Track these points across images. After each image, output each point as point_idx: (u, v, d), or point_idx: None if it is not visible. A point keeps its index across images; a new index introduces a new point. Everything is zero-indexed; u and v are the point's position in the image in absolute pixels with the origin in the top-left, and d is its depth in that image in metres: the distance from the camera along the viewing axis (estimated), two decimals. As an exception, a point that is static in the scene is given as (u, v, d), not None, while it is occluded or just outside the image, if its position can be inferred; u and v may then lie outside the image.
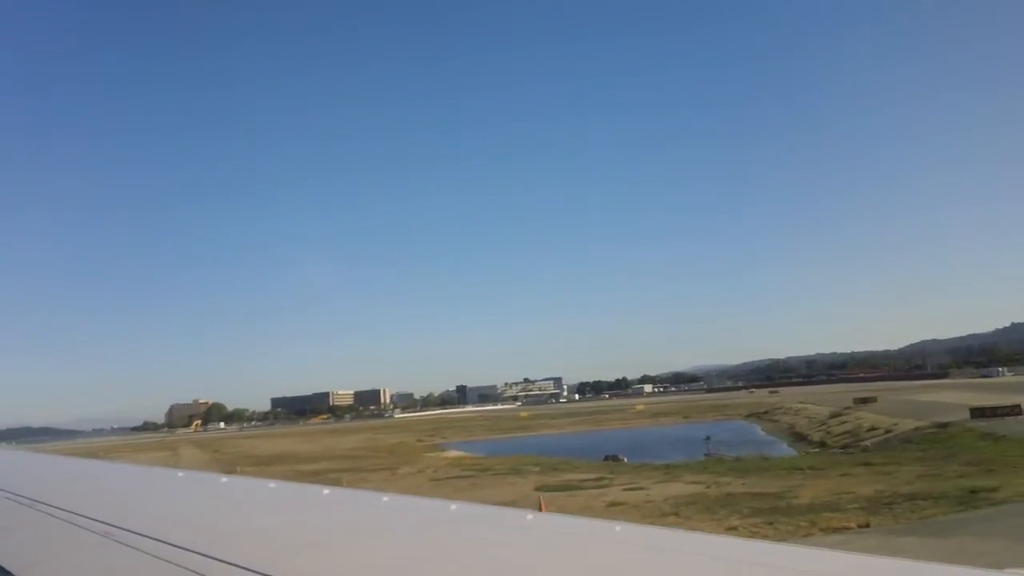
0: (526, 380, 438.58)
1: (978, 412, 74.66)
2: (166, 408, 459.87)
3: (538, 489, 52.68)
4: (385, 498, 5.80)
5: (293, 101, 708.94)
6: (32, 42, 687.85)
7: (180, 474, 8.94)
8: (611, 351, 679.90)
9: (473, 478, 66.80)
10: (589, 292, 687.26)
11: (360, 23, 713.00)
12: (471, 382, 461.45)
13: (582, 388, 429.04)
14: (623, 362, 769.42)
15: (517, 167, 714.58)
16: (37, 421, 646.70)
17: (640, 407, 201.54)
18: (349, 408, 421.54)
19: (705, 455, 78.21)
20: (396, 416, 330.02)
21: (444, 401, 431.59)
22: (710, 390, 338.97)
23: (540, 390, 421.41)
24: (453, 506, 5.18)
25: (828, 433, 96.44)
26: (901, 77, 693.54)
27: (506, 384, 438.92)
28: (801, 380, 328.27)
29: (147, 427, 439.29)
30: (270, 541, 4.26)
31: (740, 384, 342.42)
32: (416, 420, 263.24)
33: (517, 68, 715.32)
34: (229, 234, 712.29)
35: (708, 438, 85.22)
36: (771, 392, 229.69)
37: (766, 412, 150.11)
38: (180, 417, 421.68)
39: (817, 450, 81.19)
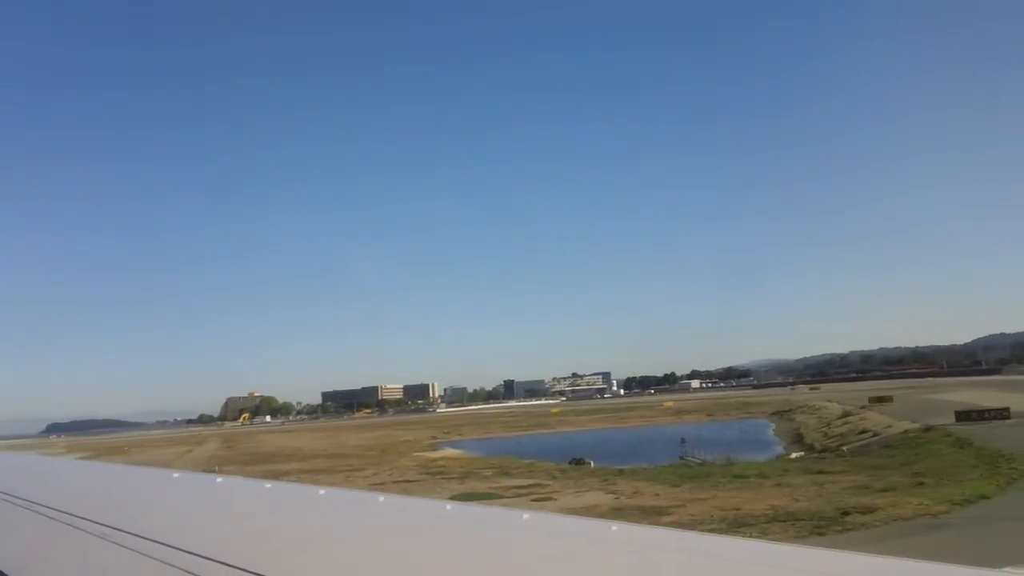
0: (574, 375, 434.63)
1: (963, 415, 69.38)
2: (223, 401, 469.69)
3: (454, 497, 50.09)
4: (381, 498, 5.72)
5: (355, 96, 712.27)
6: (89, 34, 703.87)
7: (176, 475, 8.80)
8: (664, 346, 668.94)
9: (420, 482, 64.35)
10: (642, 288, 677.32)
11: (423, 18, 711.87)
12: (520, 377, 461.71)
13: (629, 383, 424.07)
14: (676, 357, 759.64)
15: (567, 167, 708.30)
16: (102, 413, 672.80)
17: (669, 404, 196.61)
18: (398, 402, 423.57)
19: (680, 458, 74.33)
20: (439, 411, 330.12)
21: (490, 396, 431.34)
22: (757, 386, 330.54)
23: (588, 385, 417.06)
24: (448, 506, 5.29)
25: (825, 435, 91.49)
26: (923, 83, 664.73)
27: (554, 379, 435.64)
28: (855, 375, 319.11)
29: (202, 420, 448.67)
30: (266, 541, 4.32)
31: (790, 380, 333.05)
32: (451, 416, 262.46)
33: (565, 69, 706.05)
34: (287, 228, 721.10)
35: (683, 440, 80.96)
36: (811, 389, 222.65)
37: (788, 411, 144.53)
38: (235, 410, 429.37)
39: (802, 453, 76.65)
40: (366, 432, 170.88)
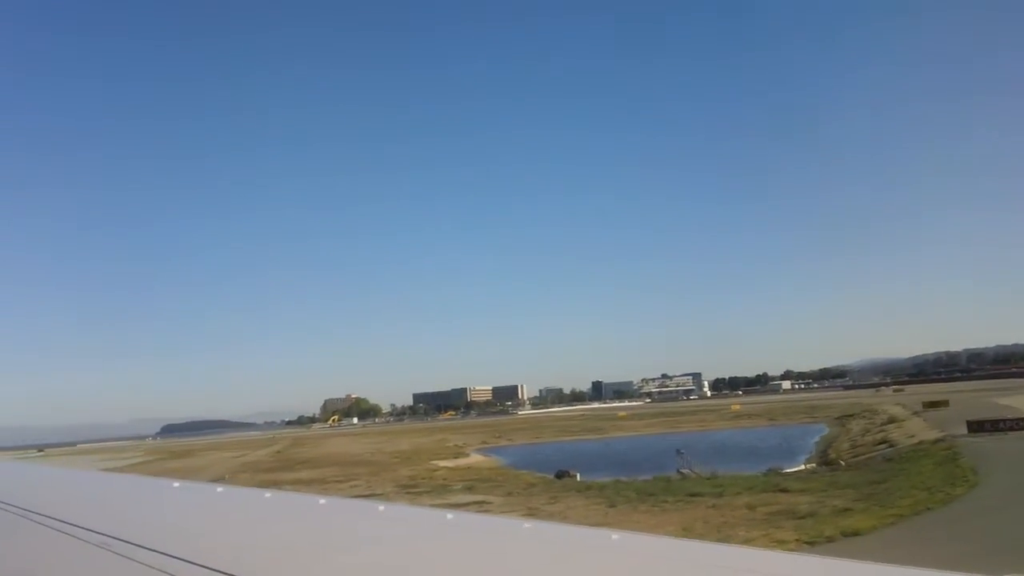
0: (663, 376, 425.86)
1: (976, 425, 62.82)
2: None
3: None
4: (381, 507, 5.82)
5: (446, 88, 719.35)
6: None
7: (176, 484, 8.69)
8: (758, 346, 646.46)
9: (381, 496, 62.31)
10: (738, 287, 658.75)
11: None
12: (611, 378, 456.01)
13: (718, 385, 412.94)
14: (771, 357, 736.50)
15: (658, 173, 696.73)
16: (215, 414, 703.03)
17: (736, 407, 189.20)
18: (487, 404, 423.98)
19: (677, 471, 69.76)
20: (520, 414, 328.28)
21: (576, 398, 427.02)
22: (849, 387, 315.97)
23: (677, 386, 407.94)
24: (449, 515, 5.22)
25: (853, 444, 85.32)
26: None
27: (643, 380, 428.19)
28: (960, 375, 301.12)
29: (300, 421, 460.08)
30: (264, 551, 4.34)
31: (888, 380, 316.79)
32: (523, 419, 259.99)
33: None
34: (391, 236, 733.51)
35: (679, 451, 75.87)
36: (895, 390, 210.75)
37: (851, 416, 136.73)
38: (329, 412, 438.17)
39: (812, 466, 71.26)
40: (421, 436, 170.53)
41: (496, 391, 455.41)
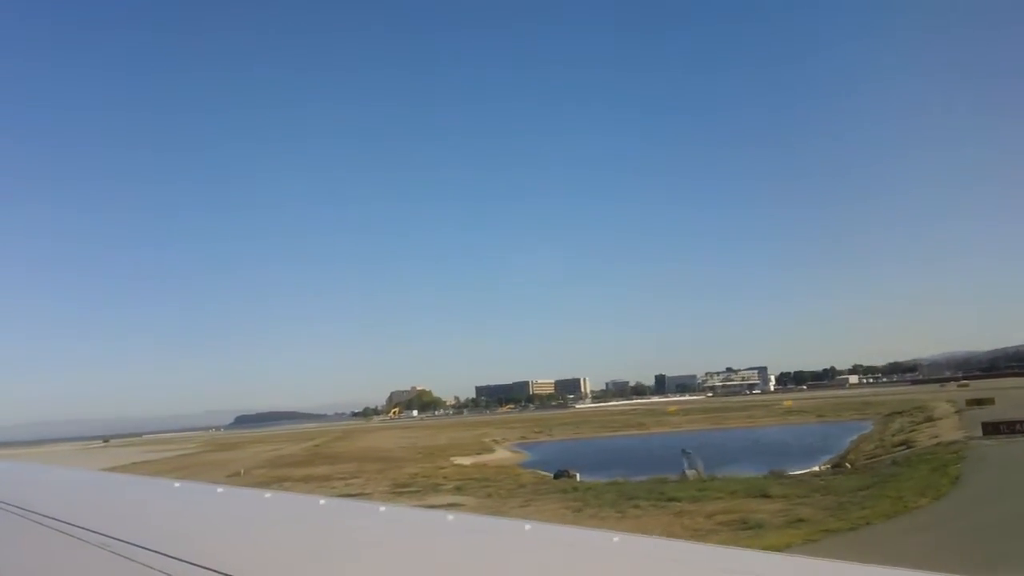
0: (728, 370, 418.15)
1: (991, 427, 58.91)
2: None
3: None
4: (382, 508, 5.72)
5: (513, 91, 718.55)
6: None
7: (177, 484, 8.71)
8: (826, 339, 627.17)
9: (369, 496, 61.42)
10: (805, 278, 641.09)
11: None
12: (676, 371, 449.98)
13: (783, 379, 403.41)
14: (841, 350, 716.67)
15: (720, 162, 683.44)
16: (286, 406, 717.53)
17: (788, 403, 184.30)
18: (549, 397, 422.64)
19: (683, 472, 67.12)
20: (576, 407, 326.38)
21: (637, 391, 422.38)
22: (917, 381, 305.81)
23: (743, 380, 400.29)
24: (450, 516, 5.26)
25: (880, 444, 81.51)
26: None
27: (707, 374, 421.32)
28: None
29: (365, 412, 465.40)
30: (264, 552, 4.34)
31: (959, 374, 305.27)
32: (577, 412, 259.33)
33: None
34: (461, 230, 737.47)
35: (685, 452, 72.91)
36: (959, 386, 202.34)
37: (899, 413, 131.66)
38: (395, 403, 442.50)
39: (825, 467, 67.97)
40: (464, 431, 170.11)
41: (559, 384, 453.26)
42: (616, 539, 4.00)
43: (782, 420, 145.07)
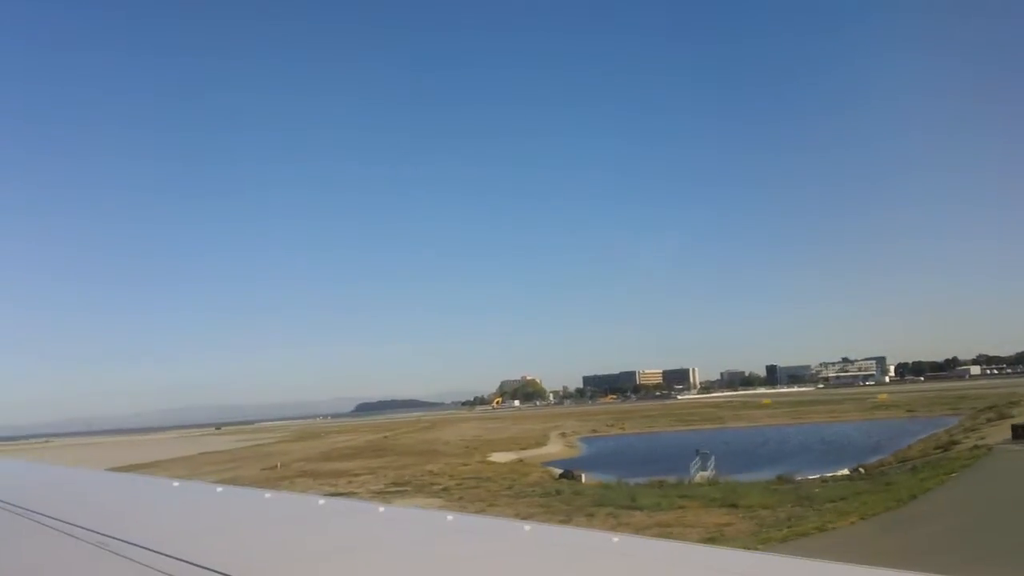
0: (844, 360, 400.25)
1: (1020, 430, 52.78)
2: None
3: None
4: (381, 509, 5.76)
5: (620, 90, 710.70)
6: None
7: (175, 483, 8.87)
8: (952, 328, 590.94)
9: (356, 495, 60.46)
10: (932, 265, 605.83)
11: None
12: (788, 361, 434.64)
13: (901, 370, 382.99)
14: (968, 338, 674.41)
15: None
16: (405, 394, 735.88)
17: (883, 397, 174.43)
18: (657, 387, 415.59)
19: (701, 473, 63.27)
20: (679, 398, 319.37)
21: (747, 382, 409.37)
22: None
23: (859, 371, 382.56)
24: (449, 516, 5.32)
25: (926, 445, 75.13)
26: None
27: (821, 365, 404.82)
28: None
29: (475, 401, 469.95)
30: (262, 552, 4.34)
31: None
32: (667, 405, 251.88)
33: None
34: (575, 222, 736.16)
35: (698, 452, 68.41)
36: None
37: (992, 408, 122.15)
38: (503, 392, 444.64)
39: (844, 472, 62.95)
40: (541, 423, 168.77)
41: (666, 374, 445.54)
42: (615, 540, 3.97)
43: (868, 415, 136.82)
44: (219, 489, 7.91)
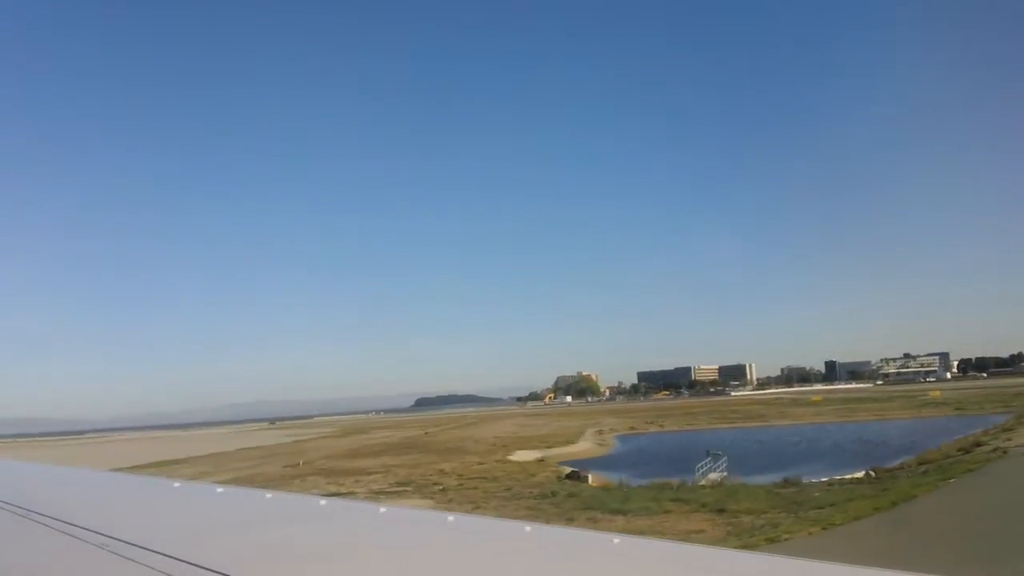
0: (906, 356, 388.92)
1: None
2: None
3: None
4: (382, 509, 5.72)
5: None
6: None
7: (176, 484, 8.86)
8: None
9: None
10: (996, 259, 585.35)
11: None
12: (848, 357, 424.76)
13: (963, 366, 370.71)
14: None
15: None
16: (463, 390, 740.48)
17: (935, 393, 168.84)
18: (713, 383, 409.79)
19: (711, 475, 61.32)
20: (732, 395, 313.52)
21: (804, 378, 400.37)
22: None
23: (922, 366, 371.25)
24: (450, 517, 5.24)
25: (958, 448, 71.80)
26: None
27: (882, 360, 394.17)
28: None
29: (531, 396, 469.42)
30: (263, 552, 4.34)
31: None
32: (717, 401, 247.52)
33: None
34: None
35: (709, 452, 66.20)
36: None
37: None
38: (557, 388, 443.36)
39: (858, 475, 60.34)
40: (581, 419, 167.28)
41: (723, 370, 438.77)
42: (616, 540, 3.96)
43: (915, 413, 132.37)
44: (219, 490, 7.92)
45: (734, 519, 39.35)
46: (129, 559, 4.16)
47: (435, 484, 62.98)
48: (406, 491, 59.50)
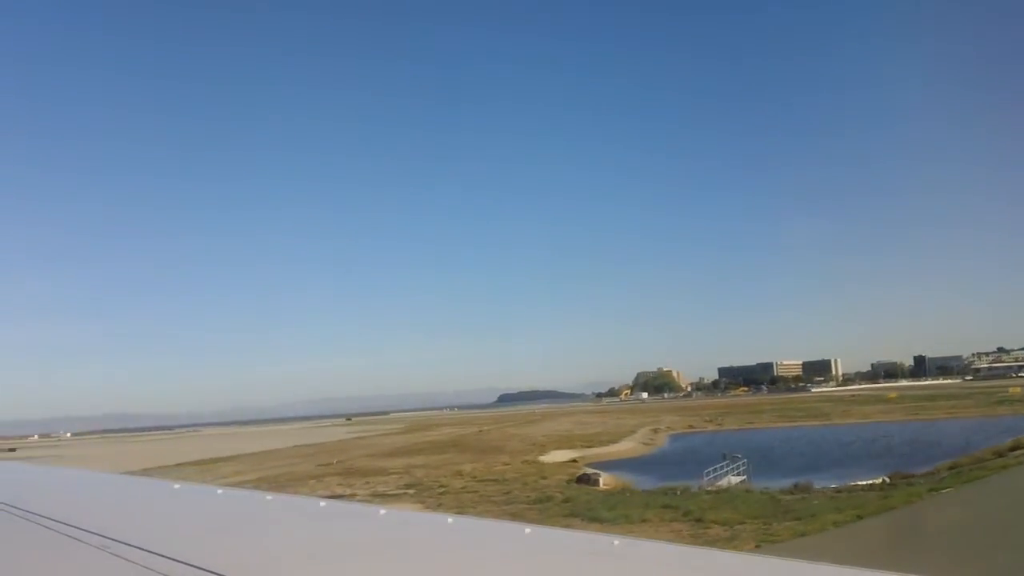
0: (999, 350, 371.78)
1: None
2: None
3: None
4: (382, 511, 5.81)
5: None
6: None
7: (176, 486, 9.05)
8: None
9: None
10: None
11: None
12: (938, 351, 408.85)
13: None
14: None
15: None
16: (546, 385, 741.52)
17: (1015, 390, 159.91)
18: (795, 379, 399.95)
19: (730, 477, 58.75)
20: (812, 391, 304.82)
21: (890, 374, 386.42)
22: None
23: (1015, 361, 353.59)
24: (450, 519, 5.27)
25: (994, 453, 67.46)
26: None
27: (973, 355, 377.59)
28: None
29: (608, 393, 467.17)
30: (263, 554, 4.42)
31: None
32: (790, 398, 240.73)
33: None
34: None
35: (725, 456, 63.07)
36: None
37: None
38: (631, 385, 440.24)
39: (881, 479, 56.95)
40: (641, 417, 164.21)
41: (806, 365, 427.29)
42: (616, 542, 3.95)
43: (987, 411, 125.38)
44: (220, 491, 7.88)
45: (704, 530, 37.23)
46: (129, 560, 4.14)
47: (440, 487, 61.98)
48: (406, 494, 58.60)
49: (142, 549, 4.32)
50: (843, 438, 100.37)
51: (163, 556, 4.08)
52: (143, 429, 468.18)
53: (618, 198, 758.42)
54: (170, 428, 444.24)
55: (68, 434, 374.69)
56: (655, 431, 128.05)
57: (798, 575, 3.36)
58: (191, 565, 3.84)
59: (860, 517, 32.48)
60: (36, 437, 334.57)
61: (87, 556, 4.53)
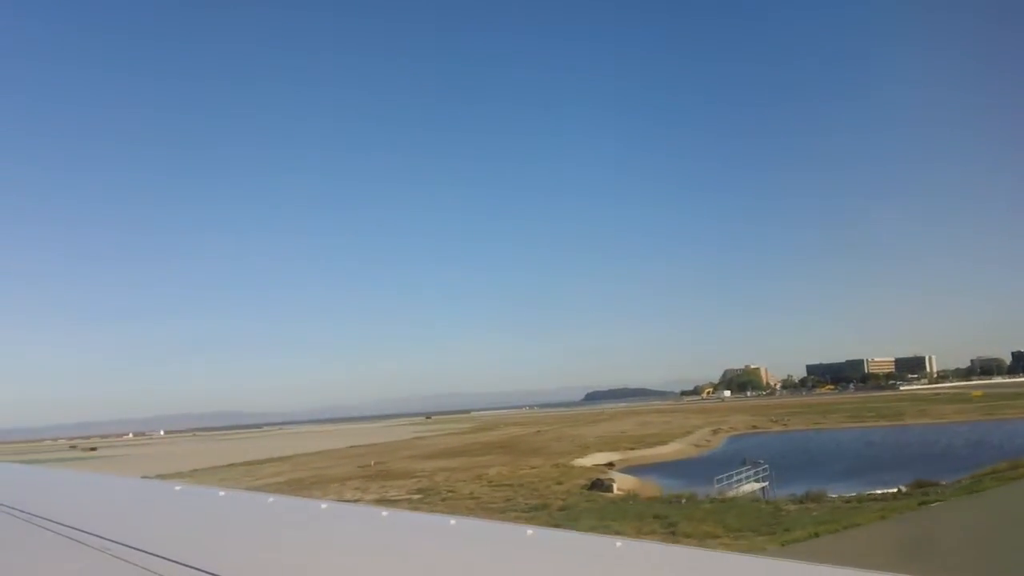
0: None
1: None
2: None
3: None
4: (384, 513, 6.04)
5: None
6: None
7: (178, 487, 9.23)
8: None
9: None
10: None
11: None
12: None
13: None
14: None
15: None
16: (636, 382, 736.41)
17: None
18: (888, 376, 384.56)
19: (750, 484, 56.16)
20: (901, 389, 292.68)
21: (986, 370, 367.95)
22: None
23: None
24: (452, 520, 5.35)
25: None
26: None
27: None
28: None
29: (694, 391, 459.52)
30: (264, 555, 4.48)
31: None
32: (873, 397, 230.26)
33: None
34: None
35: (745, 461, 60.00)
36: None
37: None
38: (723, 382, 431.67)
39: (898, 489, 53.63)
40: (705, 416, 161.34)
41: (899, 362, 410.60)
42: (619, 544, 3.98)
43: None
44: (221, 493, 7.93)
45: (672, 543, 35.31)
46: (130, 562, 4.14)
47: (449, 492, 61.14)
48: (409, 499, 57.91)
49: (143, 551, 4.31)
50: (906, 439, 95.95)
51: (165, 558, 4.08)
52: (241, 427, 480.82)
53: (715, 200, 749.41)
54: (258, 426, 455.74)
55: (162, 432, 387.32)
56: (715, 432, 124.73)
57: (798, 575, 3.35)
58: (190, 567, 3.84)
59: (817, 535, 30.16)
60: (131, 436, 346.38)
61: (88, 558, 4.53)
